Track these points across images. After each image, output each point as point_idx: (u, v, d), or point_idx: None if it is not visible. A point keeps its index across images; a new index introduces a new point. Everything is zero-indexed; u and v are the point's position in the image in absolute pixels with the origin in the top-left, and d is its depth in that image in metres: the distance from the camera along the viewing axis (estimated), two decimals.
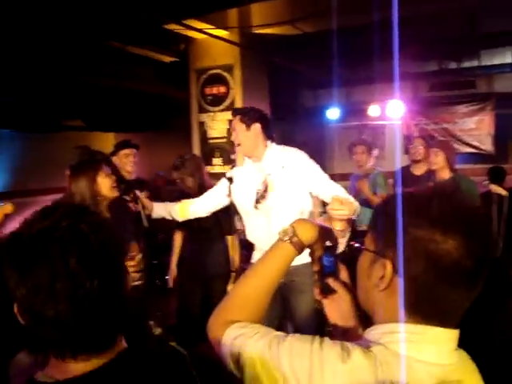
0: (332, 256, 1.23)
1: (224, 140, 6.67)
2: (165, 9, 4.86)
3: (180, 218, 3.54)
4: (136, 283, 2.89)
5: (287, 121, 8.06)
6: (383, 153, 7.86)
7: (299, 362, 0.93)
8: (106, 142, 7.99)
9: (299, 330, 3.36)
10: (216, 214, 3.69)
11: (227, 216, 3.99)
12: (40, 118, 7.57)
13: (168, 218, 3.56)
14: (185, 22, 5.42)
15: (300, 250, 1.20)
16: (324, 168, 3.23)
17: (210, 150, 6.84)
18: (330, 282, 1.23)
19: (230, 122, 3.42)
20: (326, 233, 1.24)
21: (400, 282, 0.92)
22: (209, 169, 6.81)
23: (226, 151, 6.66)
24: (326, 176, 3.16)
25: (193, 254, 4.20)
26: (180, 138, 7.52)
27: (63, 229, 0.93)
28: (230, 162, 6.62)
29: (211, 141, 6.81)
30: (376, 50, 3.74)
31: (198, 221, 3.73)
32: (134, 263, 2.81)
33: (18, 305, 0.94)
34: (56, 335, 0.93)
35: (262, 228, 3.19)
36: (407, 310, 0.92)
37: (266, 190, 3.17)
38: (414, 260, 0.89)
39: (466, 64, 7.60)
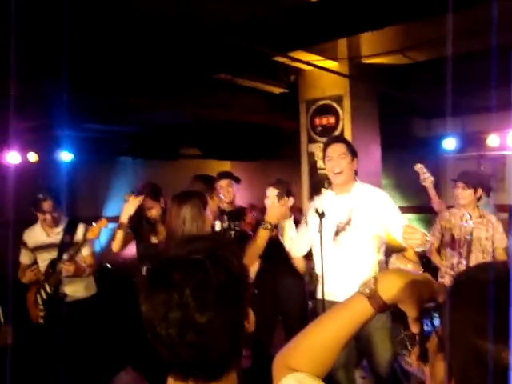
0: (436, 317, 0.98)
1: None
2: (274, 41, 5.04)
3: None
4: None
5: (399, 151, 7.90)
6: (503, 185, 7.42)
7: None
8: (221, 169, 8.35)
9: (377, 370, 3.29)
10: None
11: None
12: (159, 147, 8.09)
13: None
14: (293, 53, 5.56)
15: (379, 309, 1.01)
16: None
17: (319, 181, 6.87)
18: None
19: (325, 148, 3.41)
20: (424, 288, 0.99)
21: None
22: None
23: None
24: (402, 217, 3.18)
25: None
26: (291, 166, 7.66)
27: (192, 259, 1.00)
28: None
29: (320, 171, 6.85)
30: (493, 77, 3.60)
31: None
32: None
33: (143, 318, 1.03)
34: (167, 354, 1.02)
35: (336, 261, 3.19)
36: None
37: (348, 223, 3.18)
38: (474, 378, 0.70)
39: None
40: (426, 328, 0.97)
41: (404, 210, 4.69)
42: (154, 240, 3.84)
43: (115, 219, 4.16)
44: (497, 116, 6.73)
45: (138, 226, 3.86)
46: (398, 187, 8.70)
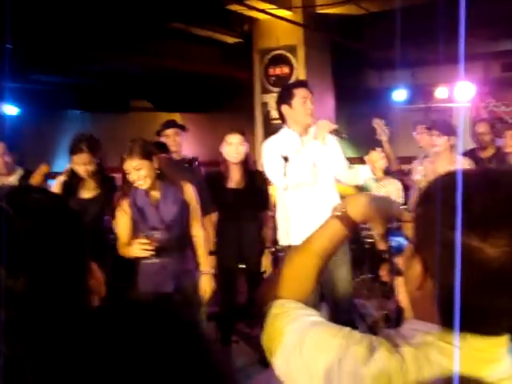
0: (400, 236, 1.10)
1: None
2: None
3: None
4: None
5: (352, 102, 7.96)
6: None
7: (319, 358, 0.87)
8: None
9: (336, 306, 3.41)
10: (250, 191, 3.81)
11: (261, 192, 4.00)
12: (109, 99, 7.85)
13: None
14: (248, 2, 5.45)
15: (349, 227, 1.09)
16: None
17: (273, 131, 6.85)
18: (400, 262, 1.02)
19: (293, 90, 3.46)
20: (387, 210, 1.11)
21: (432, 286, 0.82)
22: None
23: None
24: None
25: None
26: (244, 118, 7.61)
27: None
28: None
29: (274, 121, 6.84)
30: (444, 30, 3.64)
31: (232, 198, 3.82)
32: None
33: None
34: None
35: (310, 201, 3.30)
36: (442, 317, 0.81)
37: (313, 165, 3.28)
38: (448, 267, 0.75)
39: None
40: (393, 244, 1.06)
41: (355, 160, 4.78)
42: (84, 195, 3.73)
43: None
44: (447, 69, 6.86)
45: (70, 180, 3.77)
46: (350, 138, 8.81)
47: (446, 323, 0.80)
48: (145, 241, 2.91)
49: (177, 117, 9.50)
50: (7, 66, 4.77)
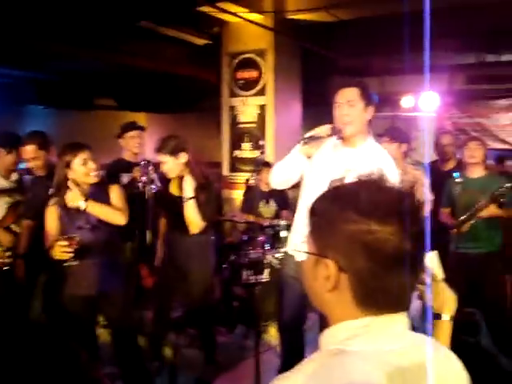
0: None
1: (254, 125, 6.65)
2: None
3: None
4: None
5: (319, 108, 7.98)
6: (415, 145, 7.73)
7: None
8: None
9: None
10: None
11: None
12: (72, 96, 7.68)
13: None
14: (219, 4, 5.39)
15: None
16: None
17: (239, 135, 6.83)
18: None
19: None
20: None
21: (346, 278, 0.91)
22: (238, 153, 6.81)
23: (256, 136, 6.64)
24: None
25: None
26: (210, 120, 7.54)
27: None
28: (258, 147, 6.61)
29: (241, 125, 6.80)
30: (410, 40, 3.66)
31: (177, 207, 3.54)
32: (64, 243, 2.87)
33: None
34: None
35: None
36: (359, 305, 0.92)
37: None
38: (354, 255, 0.89)
39: (505, 57, 7.38)
40: None
41: None
42: None
43: (21, 171, 4.03)
44: (414, 78, 6.95)
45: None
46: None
47: (365, 310, 0.92)
48: (65, 243, 2.87)
49: (142, 116, 9.38)
50: None
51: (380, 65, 7.29)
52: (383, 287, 0.90)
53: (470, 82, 8.40)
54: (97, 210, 3.09)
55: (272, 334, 4.40)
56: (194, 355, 3.94)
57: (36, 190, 3.68)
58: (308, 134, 2.84)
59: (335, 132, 2.79)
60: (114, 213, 3.15)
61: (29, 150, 3.63)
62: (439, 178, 4.41)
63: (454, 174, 4.38)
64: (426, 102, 7.45)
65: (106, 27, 5.65)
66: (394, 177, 2.76)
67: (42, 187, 3.47)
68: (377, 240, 0.88)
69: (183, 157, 3.52)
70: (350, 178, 2.56)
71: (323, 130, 2.81)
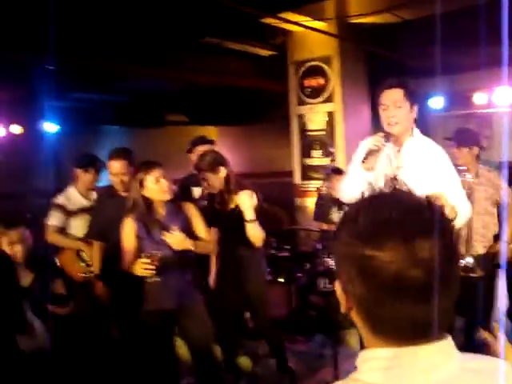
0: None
1: (323, 132, 6.65)
2: (261, 2, 4.92)
3: None
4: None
5: None
6: (492, 143, 7.44)
7: None
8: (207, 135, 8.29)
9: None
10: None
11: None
12: (145, 114, 7.96)
13: None
14: (281, 15, 5.45)
15: None
16: None
17: (309, 143, 6.85)
18: None
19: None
20: None
21: (352, 302, 0.86)
22: (308, 161, 6.83)
23: (325, 143, 6.64)
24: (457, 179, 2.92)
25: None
26: (279, 130, 7.60)
27: None
28: (328, 154, 6.59)
29: (310, 133, 6.81)
30: (482, 34, 3.55)
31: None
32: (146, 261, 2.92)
33: None
34: None
35: None
36: (371, 332, 0.84)
37: (395, 179, 2.85)
38: (354, 278, 0.82)
39: None
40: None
41: None
42: None
43: (101, 190, 4.11)
44: (484, 74, 6.71)
45: None
46: None
47: (377, 338, 0.83)
48: (147, 260, 2.92)
49: (212, 130, 9.59)
50: (49, 86, 4.90)
51: (449, 62, 7.08)
52: (389, 316, 0.80)
53: None
54: (201, 246, 3.21)
55: (350, 343, 4.36)
56: (271, 364, 3.96)
57: (103, 209, 3.75)
58: (365, 151, 2.82)
59: (388, 138, 2.78)
60: (209, 243, 3.34)
61: (118, 165, 3.60)
62: None
63: None
64: (500, 98, 7.15)
65: (173, 45, 5.84)
66: (443, 169, 2.82)
67: (110, 205, 3.58)
68: (373, 266, 0.79)
69: (222, 171, 3.54)
70: (401, 175, 2.78)
71: (377, 140, 2.79)
